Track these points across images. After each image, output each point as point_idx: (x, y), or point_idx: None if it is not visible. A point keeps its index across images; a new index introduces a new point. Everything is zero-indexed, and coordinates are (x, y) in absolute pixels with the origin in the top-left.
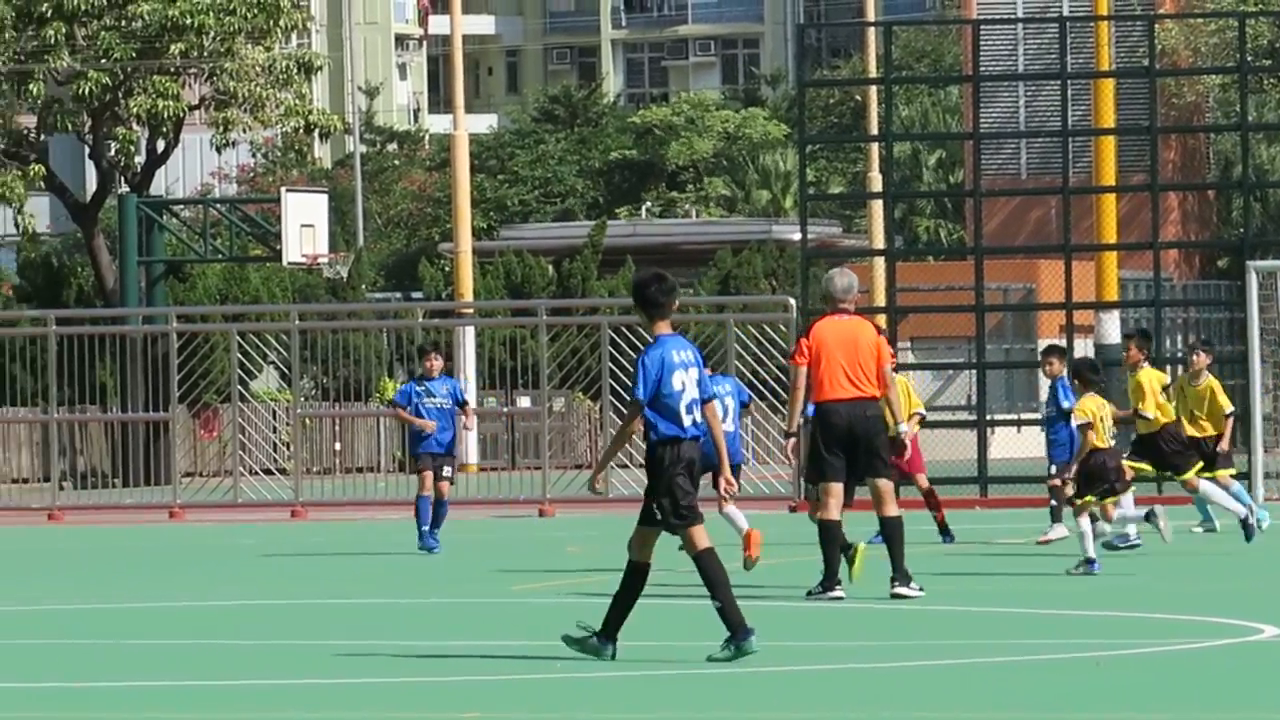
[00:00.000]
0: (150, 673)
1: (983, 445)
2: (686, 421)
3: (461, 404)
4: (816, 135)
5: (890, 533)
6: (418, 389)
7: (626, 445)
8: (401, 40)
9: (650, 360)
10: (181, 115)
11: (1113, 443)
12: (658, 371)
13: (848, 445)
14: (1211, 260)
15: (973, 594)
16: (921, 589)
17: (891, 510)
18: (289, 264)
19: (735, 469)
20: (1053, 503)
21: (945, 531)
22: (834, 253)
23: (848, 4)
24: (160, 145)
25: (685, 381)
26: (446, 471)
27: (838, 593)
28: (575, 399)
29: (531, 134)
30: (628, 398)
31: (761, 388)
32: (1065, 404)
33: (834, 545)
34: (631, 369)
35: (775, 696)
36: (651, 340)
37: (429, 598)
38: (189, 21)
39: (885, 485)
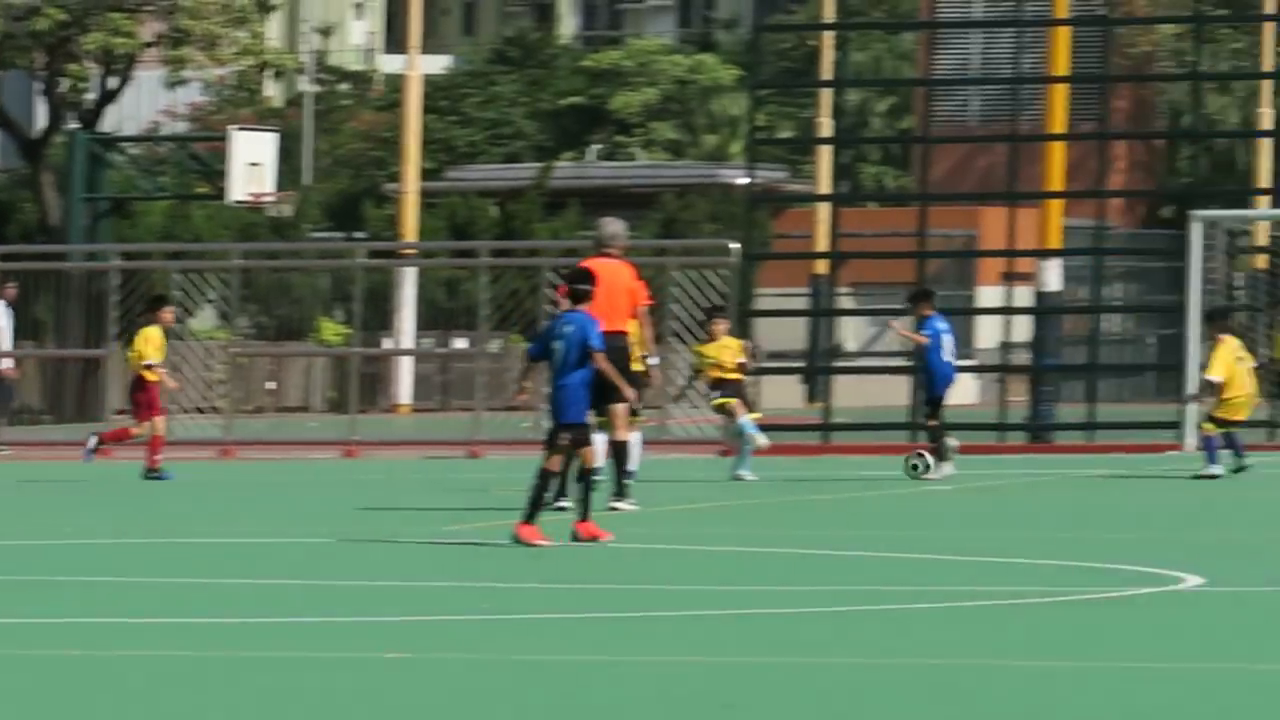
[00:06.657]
0: (56, 609)
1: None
2: None
3: None
4: (769, 80)
5: (618, 452)
6: None
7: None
8: None
9: None
10: (135, 53)
11: None
12: None
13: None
14: (1154, 210)
15: (888, 540)
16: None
17: (622, 435)
18: (233, 203)
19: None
20: None
21: None
22: (779, 197)
23: None
24: (113, 83)
25: None
26: None
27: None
28: (512, 341)
29: (484, 75)
30: None
31: (700, 331)
32: None
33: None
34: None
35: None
36: None
37: (358, 537)
38: None
39: (620, 409)
